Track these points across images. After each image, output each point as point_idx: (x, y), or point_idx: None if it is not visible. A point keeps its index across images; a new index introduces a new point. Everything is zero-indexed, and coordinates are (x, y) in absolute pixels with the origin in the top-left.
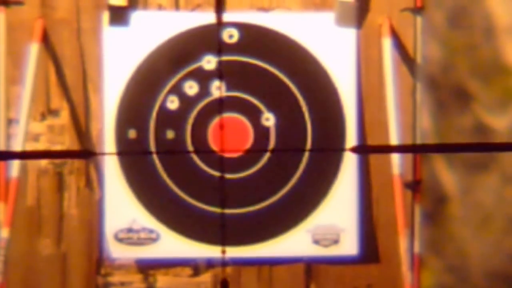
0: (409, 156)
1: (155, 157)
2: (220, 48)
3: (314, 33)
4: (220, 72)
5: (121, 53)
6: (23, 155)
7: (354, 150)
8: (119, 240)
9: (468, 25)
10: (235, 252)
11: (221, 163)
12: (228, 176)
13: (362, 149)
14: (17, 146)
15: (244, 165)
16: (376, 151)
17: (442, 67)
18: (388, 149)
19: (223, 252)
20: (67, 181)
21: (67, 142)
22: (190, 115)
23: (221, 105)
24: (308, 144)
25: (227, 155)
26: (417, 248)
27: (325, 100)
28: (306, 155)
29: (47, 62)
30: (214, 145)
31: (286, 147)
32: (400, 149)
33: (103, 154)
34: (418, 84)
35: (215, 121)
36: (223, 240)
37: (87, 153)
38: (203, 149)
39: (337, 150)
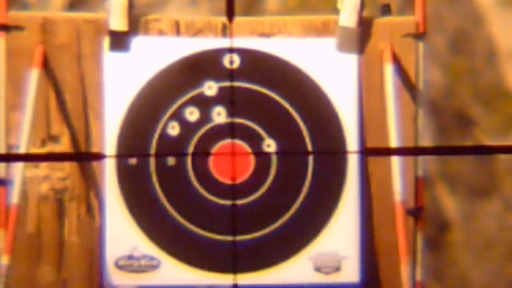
0: (410, 183)
1: (155, 183)
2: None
3: (315, 58)
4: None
5: (122, 79)
6: (28, 158)
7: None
8: (120, 267)
9: (470, 50)
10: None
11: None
12: (226, 202)
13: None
14: (17, 172)
15: (245, 192)
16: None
17: (444, 92)
18: (389, 151)
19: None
20: (68, 208)
21: (67, 168)
22: (191, 141)
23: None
24: (310, 170)
25: (228, 181)
26: (419, 276)
27: (326, 126)
28: (308, 181)
29: (47, 88)
30: (215, 172)
31: (288, 174)
32: (400, 151)
33: (112, 156)
34: (420, 110)
35: (217, 147)
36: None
37: (97, 156)
38: (204, 176)
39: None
